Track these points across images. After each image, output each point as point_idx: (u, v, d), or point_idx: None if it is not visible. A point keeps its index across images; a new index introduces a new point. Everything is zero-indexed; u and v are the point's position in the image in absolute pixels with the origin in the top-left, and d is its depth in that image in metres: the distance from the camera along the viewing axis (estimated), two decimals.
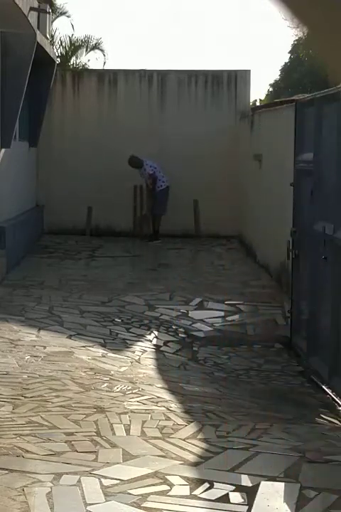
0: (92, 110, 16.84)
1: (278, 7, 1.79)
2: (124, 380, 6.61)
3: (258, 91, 52.24)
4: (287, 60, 37.22)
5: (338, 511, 4.03)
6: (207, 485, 4.26)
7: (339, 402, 7.03)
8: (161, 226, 16.17)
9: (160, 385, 6.67)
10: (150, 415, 5.51)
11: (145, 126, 16.56)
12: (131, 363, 7.58)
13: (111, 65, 21.97)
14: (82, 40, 20.74)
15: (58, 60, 17.97)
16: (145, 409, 5.67)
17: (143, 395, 6.11)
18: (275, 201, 11.83)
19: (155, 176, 15.92)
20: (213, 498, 4.13)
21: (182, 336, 9.15)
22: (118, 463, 4.55)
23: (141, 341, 8.61)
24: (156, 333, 9.02)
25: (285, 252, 9.24)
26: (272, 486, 4.26)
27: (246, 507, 4.02)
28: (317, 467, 4.65)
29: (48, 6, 13.84)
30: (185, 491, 4.19)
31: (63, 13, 20.74)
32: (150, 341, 8.69)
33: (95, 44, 20.94)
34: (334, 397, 7.15)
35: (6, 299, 10.00)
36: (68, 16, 20.78)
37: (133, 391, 6.22)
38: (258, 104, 24.14)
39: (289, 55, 36.94)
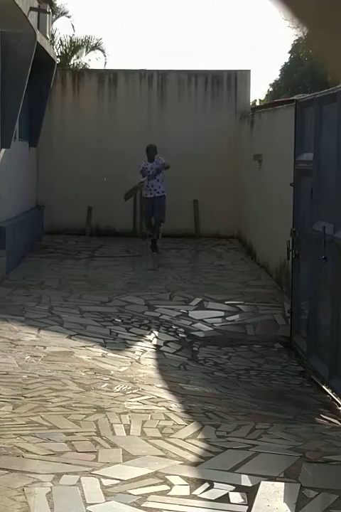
0: (92, 110, 16.83)
1: (278, 7, 1.79)
2: (124, 380, 6.61)
3: (258, 91, 52.34)
4: (287, 60, 37.26)
5: (338, 511, 4.02)
6: (207, 485, 4.26)
7: (339, 402, 7.03)
8: (161, 226, 16.10)
9: (160, 385, 6.67)
10: (150, 415, 5.51)
11: (145, 126, 16.56)
12: (131, 363, 7.58)
13: (111, 65, 22.00)
14: (82, 41, 20.78)
15: (58, 60, 18.00)
16: (145, 409, 5.67)
17: (143, 395, 6.11)
18: (275, 201, 11.83)
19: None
20: (213, 498, 4.12)
21: (182, 335, 9.15)
22: (118, 463, 4.54)
23: (141, 341, 8.61)
24: (156, 333, 9.02)
25: (285, 251, 9.24)
26: (272, 486, 4.25)
27: (246, 507, 4.02)
28: (317, 467, 4.65)
29: (48, 6, 13.84)
30: (185, 491, 4.19)
31: (63, 13, 20.78)
32: (150, 341, 8.69)
33: (95, 44, 20.99)
34: (334, 397, 7.15)
35: (6, 299, 10.00)
36: (68, 16, 20.83)
37: (133, 391, 6.21)
38: (258, 104, 24.16)
39: (289, 55, 36.97)
